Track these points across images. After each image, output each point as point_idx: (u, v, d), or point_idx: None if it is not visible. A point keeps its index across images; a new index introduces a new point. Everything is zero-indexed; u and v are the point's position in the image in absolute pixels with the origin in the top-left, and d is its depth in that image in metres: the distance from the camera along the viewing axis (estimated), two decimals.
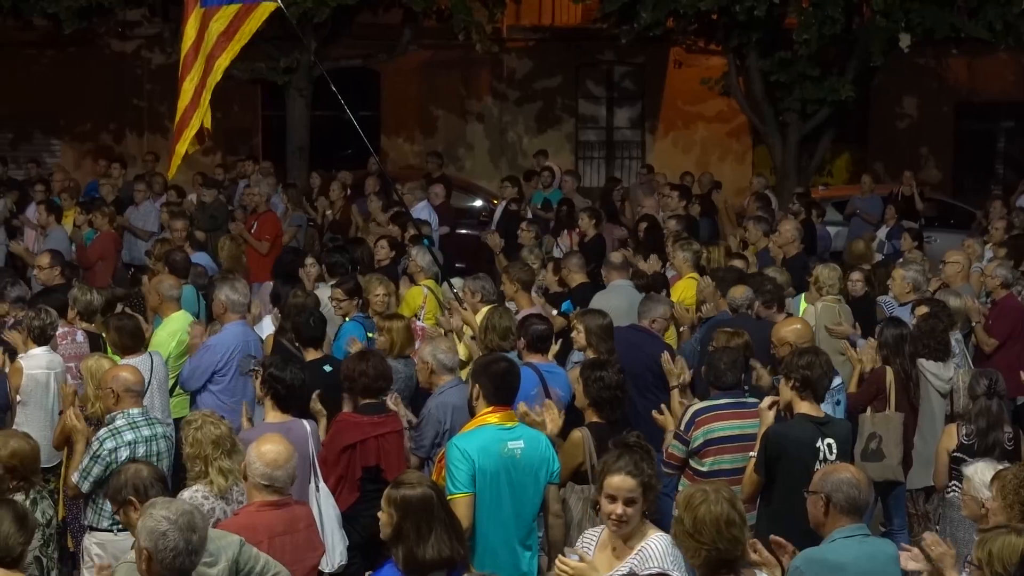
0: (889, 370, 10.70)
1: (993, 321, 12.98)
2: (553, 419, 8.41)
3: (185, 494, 7.71)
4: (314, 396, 9.58)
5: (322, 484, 8.82)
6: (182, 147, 12.87)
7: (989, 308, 13.27)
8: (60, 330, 11.34)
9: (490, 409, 7.96)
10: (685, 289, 13.84)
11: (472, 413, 8.15)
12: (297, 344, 10.97)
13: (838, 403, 10.22)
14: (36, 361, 10.72)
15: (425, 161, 25.57)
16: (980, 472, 7.69)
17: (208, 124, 13.01)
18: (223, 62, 12.66)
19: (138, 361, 10.52)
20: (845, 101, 23.07)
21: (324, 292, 13.03)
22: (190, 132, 12.76)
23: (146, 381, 10.42)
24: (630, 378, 9.98)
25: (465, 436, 7.90)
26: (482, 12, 24.70)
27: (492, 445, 7.74)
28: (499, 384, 8.02)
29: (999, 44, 23.05)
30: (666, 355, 9.96)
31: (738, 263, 14.29)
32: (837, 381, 10.26)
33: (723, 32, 23.89)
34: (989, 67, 29.36)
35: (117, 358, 10.93)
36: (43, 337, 10.87)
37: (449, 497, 7.41)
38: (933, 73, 30.37)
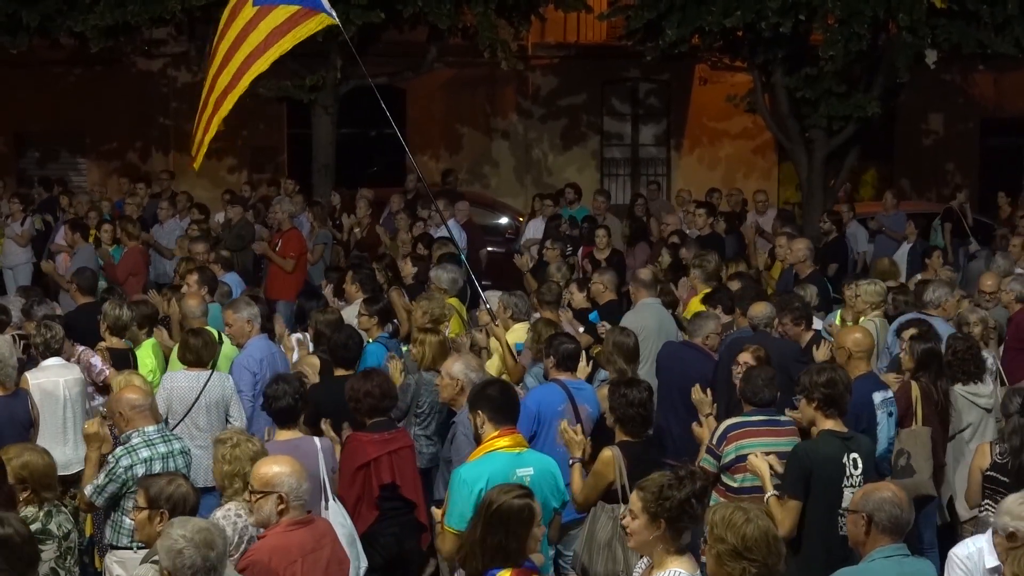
0: (915, 385, 10.65)
1: (1010, 335, 12.96)
2: (581, 442, 8.40)
3: (219, 513, 7.70)
4: (324, 424, 9.57)
5: (332, 503, 8.80)
6: (209, 135, 12.88)
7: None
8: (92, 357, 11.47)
9: (497, 433, 7.93)
10: (699, 306, 13.85)
11: (479, 441, 8.10)
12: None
13: (890, 414, 10.18)
14: (46, 373, 10.79)
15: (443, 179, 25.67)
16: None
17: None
18: (271, 55, 12.85)
19: (194, 375, 10.73)
20: (871, 117, 22.99)
21: (348, 311, 13.02)
22: (216, 120, 12.74)
23: (195, 396, 10.54)
24: (679, 395, 9.99)
25: (472, 466, 7.83)
26: (507, 30, 24.70)
27: (501, 473, 7.67)
28: (500, 404, 8.00)
29: None
30: (696, 388, 9.88)
31: (735, 284, 14.20)
32: (888, 394, 10.23)
33: (748, 49, 23.83)
34: (1015, 83, 29.27)
35: (151, 366, 11.03)
36: (49, 351, 10.96)
37: (445, 529, 7.42)
38: (959, 89, 30.29)
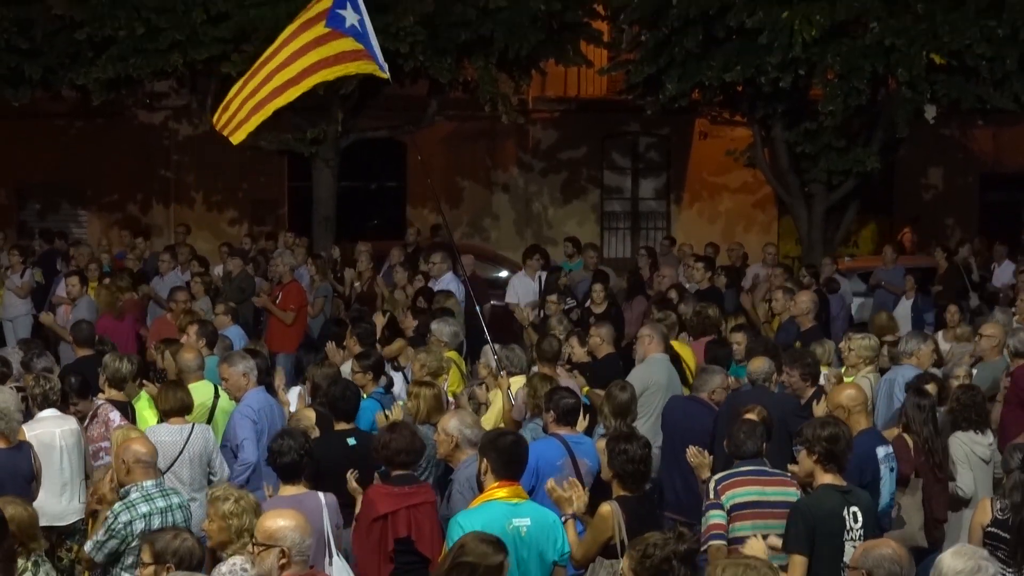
0: (907, 437, 10.64)
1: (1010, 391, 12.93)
2: (579, 496, 8.37)
3: (224, 568, 7.66)
4: (349, 476, 9.53)
5: (336, 559, 8.75)
6: (258, 119, 13.29)
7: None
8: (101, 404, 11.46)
9: (497, 484, 7.95)
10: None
11: (480, 488, 8.09)
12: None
13: (892, 469, 10.16)
14: (43, 425, 10.75)
15: (433, 232, 25.68)
16: None
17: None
18: (334, 72, 13.59)
19: (176, 429, 10.65)
20: (871, 172, 23.06)
21: (346, 366, 12.99)
22: (271, 107, 13.25)
23: (178, 450, 10.46)
24: (683, 448, 9.95)
25: (470, 513, 7.86)
26: (508, 84, 24.81)
27: (497, 522, 7.68)
28: (508, 458, 8.01)
29: None
30: (692, 449, 9.85)
31: (738, 336, 14.24)
32: (890, 449, 10.22)
33: (748, 103, 23.93)
34: (1015, 138, 29.38)
35: (152, 420, 10.99)
36: (46, 402, 10.93)
37: None
38: (958, 144, 30.39)
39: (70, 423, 10.98)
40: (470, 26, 22.87)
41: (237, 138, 13.39)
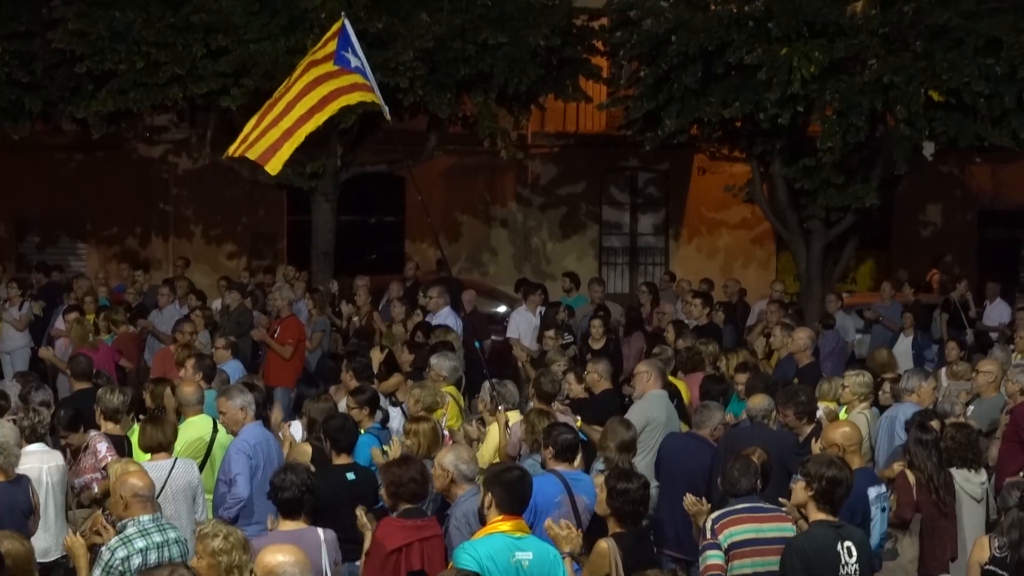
0: (909, 473, 10.64)
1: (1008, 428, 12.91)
2: (574, 537, 8.36)
3: None
4: (359, 511, 9.49)
5: None
6: (291, 147, 13.71)
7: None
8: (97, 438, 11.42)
9: (501, 518, 7.99)
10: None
11: (483, 521, 8.10)
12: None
13: (883, 509, 10.15)
14: (30, 459, 10.70)
15: (438, 267, 25.70)
16: None
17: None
18: (343, 102, 14.18)
19: (156, 464, 10.56)
20: (869, 208, 23.08)
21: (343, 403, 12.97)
22: (300, 135, 13.73)
23: (160, 486, 10.42)
24: (683, 485, 9.95)
25: (474, 543, 7.91)
26: (507, 119, 24.86)
27: (501, 553, 7.76)
28: (512, 493, 8.04)
29: (1023, 152, 23.12)
30: (690, 498, 9.82)
31: (741, 377, 14.25)
32: (882, 489, 10.20)
33: (747, 139, 23.97)
34: (1013, 175, 29.42)
35: (146, 456, 10.96)
36: (34, 436, 10.93)
37: None
38: (956, 181, 30.44)
39: (56, 458, 10.99)
40: (470, 61, 22.93)
41: (274, 168, 13.88)
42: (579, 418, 13.01)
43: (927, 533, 10.65)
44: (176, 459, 10.89)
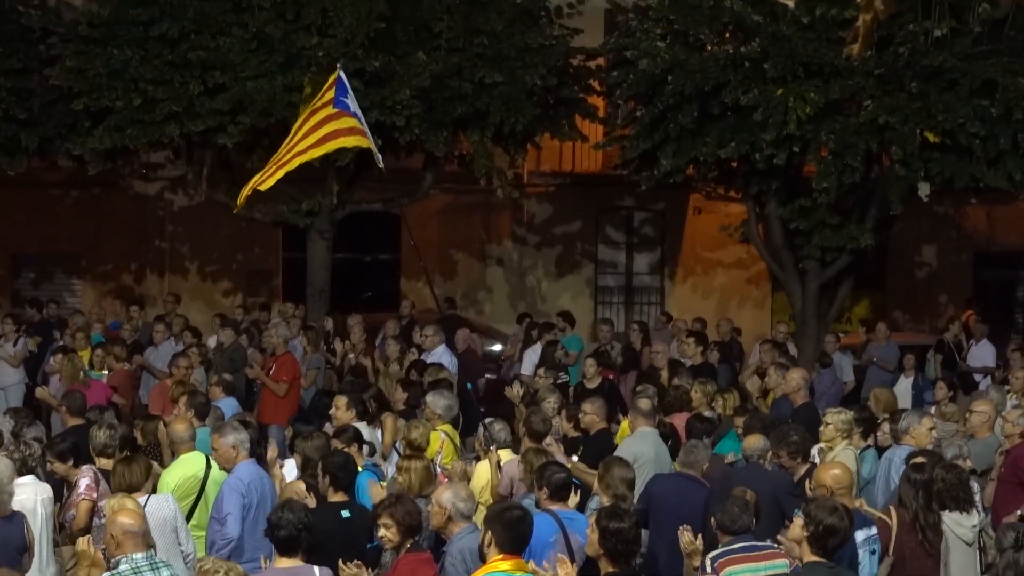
0: (892, 510, 10.61)
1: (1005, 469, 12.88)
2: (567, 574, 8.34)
3: None
4: (341, 565, 9.43)
5: None
6: (283, 170, 14.69)
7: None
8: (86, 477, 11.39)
9: (501, 556, 7.97)
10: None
11: (483, 559, 8.08)
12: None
13: (873, 552, 10.12)
14: (23, 491, 10.68)
15: (448, 304, 25.75)
16: None
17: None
18: (338, 144, 15.15)
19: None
20: (864, 249, 23.09)
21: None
22: (280, 172, 14.56)
23: None
24: (675, 524, 9.92)
25: None
26: (503, 158, 24.90)
27: None
28: (513, 532, 8.03)
29: (1018, 193, 23.16)
30: (687, 536, 9.78)
31: (739, 420, 14.22)
32: (872, 531, 10.17)
33: (743, 180, 24.00)
34: (1008, 216, 29.45)
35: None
36: (25, 468, 10.91)
37: None
38: (952, 222, 30.48)
39: (47, 491, 11.00)
40: (466, 100, 22.99)
41: (265, 185, 14.26)
42: (575, 457, 13.00)
43: (911, 574, 10.58)
44: (149, 496, 10.85)
